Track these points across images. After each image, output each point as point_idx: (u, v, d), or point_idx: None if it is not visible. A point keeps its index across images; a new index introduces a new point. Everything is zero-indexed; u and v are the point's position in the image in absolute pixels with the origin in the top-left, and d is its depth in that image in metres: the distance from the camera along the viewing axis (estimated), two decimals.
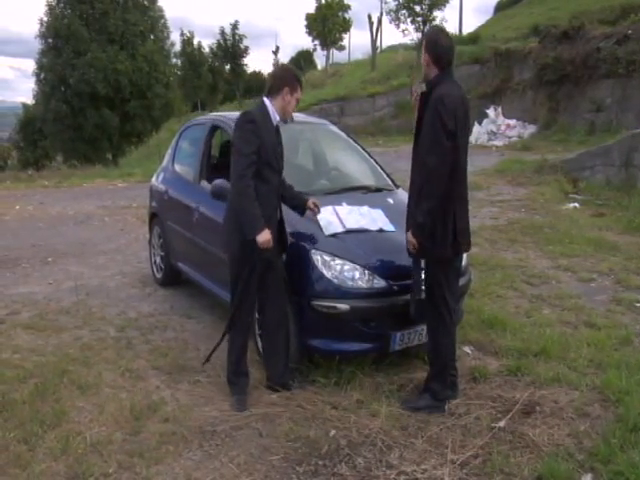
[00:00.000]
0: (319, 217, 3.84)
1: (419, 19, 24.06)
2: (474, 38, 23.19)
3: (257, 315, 3.81)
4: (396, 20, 24.50)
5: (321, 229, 3.80)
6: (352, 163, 5.02)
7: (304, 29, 34.11)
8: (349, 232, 3.80)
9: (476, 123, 16.99)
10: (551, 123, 16.40)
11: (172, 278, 5.64)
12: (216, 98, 38.12)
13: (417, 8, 23.88)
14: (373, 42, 26.79)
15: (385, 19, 26.59)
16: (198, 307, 5.14)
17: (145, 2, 30.34)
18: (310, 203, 3.77)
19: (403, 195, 4.40)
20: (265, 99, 3.48)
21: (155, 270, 5.89)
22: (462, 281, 3.79)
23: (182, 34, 36.63)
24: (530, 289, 5.44)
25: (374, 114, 21.66)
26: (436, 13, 24.25)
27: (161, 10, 31.38)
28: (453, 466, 2.87)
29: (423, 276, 3.46)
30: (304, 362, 3.79)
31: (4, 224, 8.81)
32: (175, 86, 32.86)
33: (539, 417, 3.28)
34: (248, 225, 3.28)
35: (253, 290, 3.45)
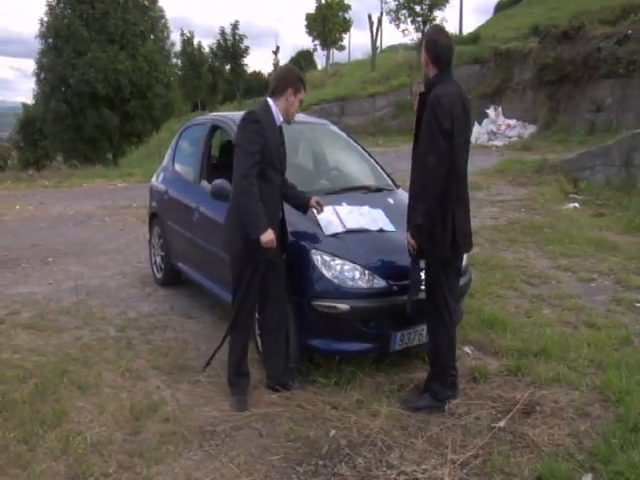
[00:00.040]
0: (319, 217, 3.85)
1: (419, 19, 24.07)
2: (474, 38, 23.19)
3: (257, 315, 3.81)
4: (396, 20, 24.54)
5: (321, 229, 3.80)
6: (352, 163, 5.02)
7: (304, 29, 34.18)
8: (349, 232, 3.80)
9: (476, 123, 16.98)
10: (551, 123, 16.41)
11: (172, 278, 5.65)
12: (216, 98, 38.14)
13: (417, 8, 23.90)
14: (373, 42, 26.80)
15: (385, 19, 26.64)
16: (198, 307, 5.14)
17: (145, 2, 30.29)
18: (313, 201, 3.77)
19: (403, 195, 4.40)
20: (269, 99, 3.49)
21: (155, 270, 5.90)
22: (462, 281, 3.79)
23: (182, 34, 36.69)
24: (530, 289, 5.44)
25: (374, 114, 21.66)
26: (436, 13, 24.32)
27: (161, 10, 31.35)
28: (453, 466, 2.87)
29: (423, 276, 3.47)
30: (304, 362, 3.79)
31: (4, 224, 8.82)
32: (175, 86, 32.83)
33: (539, 417, 3.28)
34: (252, 224, 3.28)
35: (255, 290, 3.45)
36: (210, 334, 4.54)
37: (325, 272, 3.59)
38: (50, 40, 28.72)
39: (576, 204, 9.03)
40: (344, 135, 5.26)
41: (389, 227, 3.90)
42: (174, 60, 33.96)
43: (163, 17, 31.29)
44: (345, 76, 27.68)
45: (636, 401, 3.28)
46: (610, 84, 14.91)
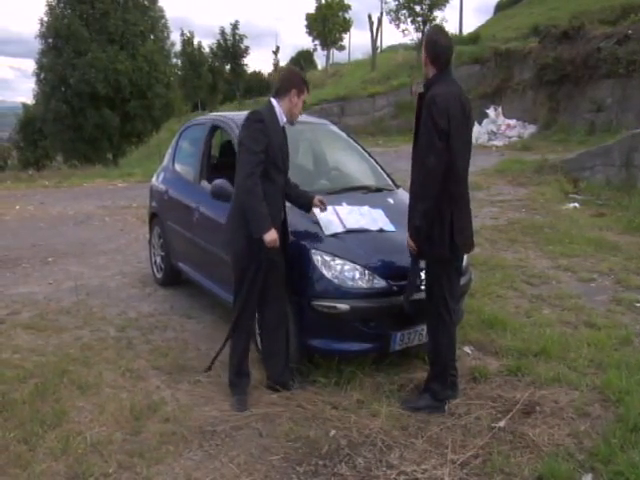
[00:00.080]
0: (319, 217, 3.85)
1: (419, 19, 24.07)
2: (474, 38, 23.18)
3: (256, 315, 3.80)
4: (396, 20, 24.53)
5: (321, 229, 3.80)
6: (352, 163, 5.02)
7: (304, 29, 34.18)
8: (349, 232, 3.80)
9: (476, 123, 16.97)
10: (551, 123, 16.40)
11: (172, 278, 5.65)
12: (216, 98, 38.14)
13: (417, 8, 23.89)
14: (373, 42, 26.79)
15: (385, 19, 26.63)
16: (198, 307, 5.14)
17: (145, 2, 30.29)
18: (316, 200, 3.78)
19: (403, 195, 4.41)
20: (272, 100, 3.50)
21: (155, 270, 5.90)
22: (462, 281, 3.79)
23: (182, 34, 36.68)
24: (530, 289, 5.44)
25: (374, 114, 21.65)
26: (436, 13, 24.31)
27: (161, 10, 31.35)
28: (453, 466, 2.87)
29: (423, 276, 3.48)
30: (304, 362, 3.79)
31: (4, 224, 8.82)
32: (175, 86, 32.83)
33: (539, 417, 3.28)
34: (255, 224, 3.28)
35: (257, 290, 3.45)
36: (210, 334, 4.55)
37: (325, 272, 3.59)
38: (50, 40, 28.72)
39: (576, 204, 9.03)
40: (344, 135, 5.26)
41: (389, 227, 3.90)
42: (174, 60, 33.99)
43: (163, 17, 31.31)
44: (345, 76, 27.68)
45: (636, 401, 3.28)
46: (610, 84, 14.90)
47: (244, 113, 4.70)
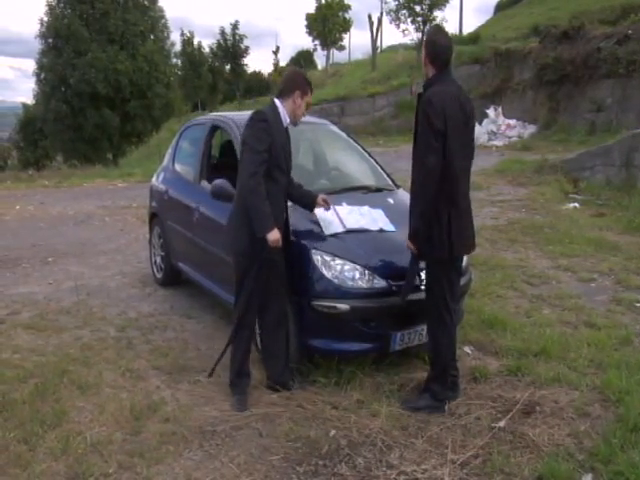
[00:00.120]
0: (319, 217, 3.85)
1: (419, 19, 24.07)
2: (474, 38, 23.18)
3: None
4: (396, 20, 24.53)
5: (321, 229, 3.80)
6: (352, 163, 5.02)
7: (304, 29, 34.18)
8: (349, 232, 3.80)
9: (476, 123, 16.99)
10: (551, 123, 16.40)
11: (172, 278, 5.65)
12: (216, 98, 38.15)
13: (417, 8, 23.90)
14: (373, 42, 26.78)
15: (385, 19, 26.64)
16: (198, 307, 5.14)
17: (145, 2, 30.30)
18: (320, 199, 3.78)
19: (403, 195, 4.41)
20: (276, 100, 3.51)
21: (155, 270, 5.90)
22: (462, 281, 3.79)
23: (182, 34, 36.69)
24: (530, 289, 5.44)
25: (374, 114, 21.66)
26: (436, 13, 24.32)
27: (161, 10, 31.37)
28: (453, 466, 2.87)
29: (423, 276, 3.48)
30: (304, 362, 3.79)
31: (4, 224, 8.82)
32: (175, 86, 32.84)
33: (539, 417, 3.28)
34: (258, 223, 3.29)
35: (259, 290, 3.45)
36: (210, 334, 4.55)
37: (325, 272, 3.59)
38: (50, 40, 28.73)
39: (576, 204, 9.03)
40: (344, 135, 5.26)
41: (389, 227, 3.90)
42: (174, 60, 34.02)
43: (163, 17, 31.33)
44: (345, 76, 27.68)
45: (636, 401, 3.28)
46: (610, 84, 14.90)
47: (244, 113, 4.71)
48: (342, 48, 37.32)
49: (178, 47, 34.55)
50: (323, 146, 5.06)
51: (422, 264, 3.44)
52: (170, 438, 3.09)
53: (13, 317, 4.89)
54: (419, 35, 23.95)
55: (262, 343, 3.77)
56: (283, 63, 46.85)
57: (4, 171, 28.39)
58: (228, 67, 36.49)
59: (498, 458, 2.89)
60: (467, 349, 4.15)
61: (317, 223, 3.83)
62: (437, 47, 3.24)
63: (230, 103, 35.89)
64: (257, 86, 42.72)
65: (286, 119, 3.50)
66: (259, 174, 3.29)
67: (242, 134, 3.48)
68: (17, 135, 40.70)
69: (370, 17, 26.83)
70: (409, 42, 25.64)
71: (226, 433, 3.16)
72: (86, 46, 27.67)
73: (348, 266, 3.62)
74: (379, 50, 29.64)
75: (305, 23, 34.26)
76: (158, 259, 5.83)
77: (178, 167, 5.64)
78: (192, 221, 4.89)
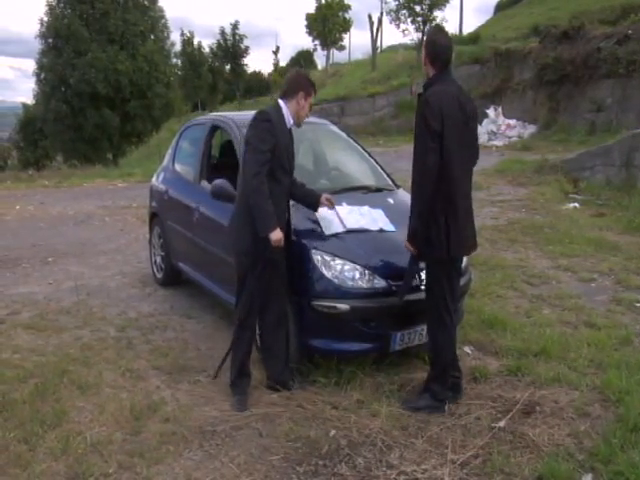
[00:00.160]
0: (319, 217, 3.85)
1: (419, 19, 24.08)
2: (474, 38, 23.19)
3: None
4: (396, 20, 24.55)
5: (321, 229, 3.80)
6: (352, 163, 5.02)
7: (304, 29, 34.22)
8: (349, 232, 3.80)
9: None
10: (551, 123, 16.40)
11: (172, 278, 5.64)
12: (216, 98, 38.18)
13: (417, 8, 23.91)
14: (373, 42, 26.79)
15: (385, 19, 26.64)
16: (198, 307, 5.14)
17: (145, 2, 30.28)
18: (323, 198, 3.79)
19: (403, 195, 4.41)
20: (280, 101, 3.51)
21: (155, 270, 5.90)
22: (462, 281, 3.79)
23: (182, 34, 36.71)
24: (530, 289, 5.44)
25: (374, 114, 21.66)
26: (436, 13, 24.33)
27: (161, 10, 31.34)
28: (453, 466, 2.87)
29: (423, 276, 3.48)
30: (304, 362, 3.79)
31: (4, 224, 8.82)
32: (175, 86, 32.84)
33: (539, 417, 3.28)
34: (262, 222, 3.29)
35: (260, 289, 3.45)
36: (210, 334, 4.55)
37: (325, 272, 3.59)
38: (50, 40, 28.72)
39: (576, 204, 9.03)
40: (344, 135, 5.26)
41: (389, 227, 3.90)
42: (174, 60, 34.01)
43: (163, 17, 31.31)
44: (345, 76, 27.68)
45: (636, 401, 3.28)
46: (610, 84, 14.90)
47: (244, 113, 4.71)
48: (342, 48, 37.37)
49: (178, 47, 34.61)
50: (323, 146, 5.06)
51: (422, 264, 3.44)
52: (170, 438, 3.09)
53: (13, 317, 4.89)
54: (419, 35, 23.96)
55: (262, 343, 3.77)
56: (283, 63, 46.91)
57: (4, 171, 28.39)
58: (228, 67, 36.53)
59: (498, 458, 2.89)
60: (467, 349, 4.15)
61: (317, 223, 3.83)
62: (437, 47, 3.24)
63: (230, 103, 35.92)
64: (257, 86, 42.75)
65: (290, 120, 3.51)
66: (262, 174, 3.29)
67: (246, 134, 3.48)
68: (17, 135, 40.70)
69: (370, 17, 26.84)
70: (409, 42, 25.67)
71: (226, 433, 3.16)
72: (86, 46, 27.66)
73: (348, 266, 3.62)
74: (379, 50, 29.65)
75: (305, 23, 34.32)
76: (158, 259, 5.83)
77: (178, 167, 5.64)
78: (192, 221, 4.89)
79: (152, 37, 30.37)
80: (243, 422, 3.26)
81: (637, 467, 2.72)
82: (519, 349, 4.07)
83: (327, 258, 3.63)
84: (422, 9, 23.88)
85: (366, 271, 3.61)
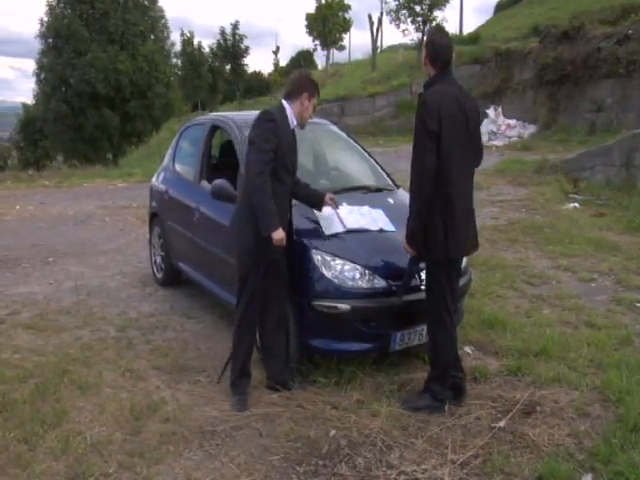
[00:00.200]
0: (319, 217, 3.85)
1: (419, 19, 24.09)
2: (474, 38, 23.19)
3: None
4: (396, 20, 24.56)
5: (322, 229, 3.80)
6: (352, 163, 5.02)
7: (304, 29, 34.22)
8: (350, 232, 3.80)
9: None
10: (551, 123, 16.40)
11: (172, 278, 5.64)
12: (216, 98, 38.18)
13: (417, 8, 23.91)
14: (373, 42, 26.79)
15: (385, 19, 26.65)
16: (198, 307, 5.14)
17: (145, 2, 30.29)
18: (327, 198, 3.81)
19: (403, 195, 4.41)
20: (284, 102, 3.52)
21: (155, 270, 5.90)
22: (462, 281, 3.79)
23: (182, 34, 36.70)
24: (530, 289, 5.44)
25: (374, 114, 21.66)
26: (436, 13, 24.34)
27: (161, 10, 31.37)
28: (453, 466, 2.87)
29: (423, 276, 3.48)
30: (304, 362, 3.79)
31: (5, 224, 8.82)
32: (175, 86, 32.85)
33: (539, 417, 3.28)
34: (264, 221, 3.29)
35: (262, 289, 3.45)
36: (210, 334, 4.55)
37: (325, 272, 3.59)
38: (50, 40, 28.74)
39: (576, 204, 9.03)
40: (344, 135, 5.26)
41: (389, 227, 3.90)
42: (174, 60, 34.03)
43: (163, 17, 31.34)
44: (345, 76, 27.69)
45: (636, 401, 3.28)
46: (610, 84, 14.90)
47: (244, 113, 4.70)
48: (342, 48, 37.36)
49: (178, 47, 34.62)
50: (323, 146, 5.06)
51: (422, 264, 3.44)
52: (170, 438, 3.09)
53: (13, 317, 4.89)
54: (419, 35, 23.97)
55: (262, 343, 3.77)
56: (283, 63, 46.93)
57: (4, 171, 28.40)
58: (228, 67, 36.52)
59: (498, 458, 2.89)
60: (467, 349, 4.15)
61: (317, 223, 3.83)
62: (437, 47, 3.24)
63: (230, 103, 35.91)
64: (257, 86, 42.74)
65: (293, 121, 3.51)
66: (265, 173, 3.29)
67: (249, 133, 3.48)
68: (17, 135, 40.72)
69: (370, 17, 26.85)
70: (409, 42, 25.69)
71: (226, 433, 3.16)
72: (86, 46, 27.67)
73: (348, 266, 3.62)
74: (379, 50, 29.65)
75: (305, 23, 34.31)
76: (158, 259, 5.83)
77: (178, 167, 5.64)
78: (192, 221, 4.89)
79: (152, 37, 30.39)
80: (243, 422, 3.26)
81: (637, 467, 2.72)
82: (519, 349, 4.07)
83: (327, 258, 3.63)
84: (422, 9, 23.88)
85: (366, 271, 3.61)
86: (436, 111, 3.09)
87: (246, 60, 36.15)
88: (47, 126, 30.58)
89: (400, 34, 25.34)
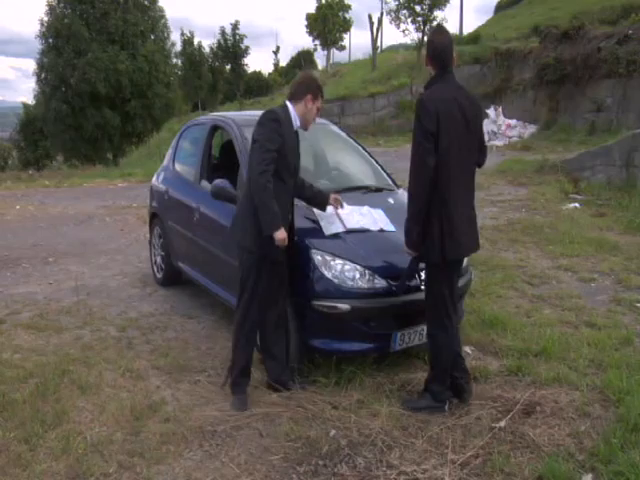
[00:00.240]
0: (320, 217, 3.85)
1: (419, 19, 24.11)
2: (474, 38, 23.21)
3: None
4: (396, 20, 24.59)
5: (322, 229, 3.80)
6: (353, 163, 5.01)
7: (304, 29, 34.27)
8: (350, 232, 3.80)
9: None
10: (551, 123, 16.42)
11: (172, 278, 5.65)
12: (216, 98, 38.20)
13: (417, 8, 23.93)
14: (373, 42, 26.81)
15: (385, 19, 26.71)
16: (199, 307, 5.15)
17: (145, 2, 30.30)
18: (332, 199, 3.82)
19: (403, 195, 4.39)
20: (288, 103, 3.51)
21: (155, 270, 5.90)
22: (462, 281, 3.79)
23: (182, 34, 36.73)
24: (531, 289, 5.44)
25: (374, 114, 21.68)
26: (436, 13, 24.36)
27: (162, 10, 31.35)
28: (453, 466, 2.86)
29: (423, 276, 3.48)
30: (304, 362, 3.79)
31: (5, 224, 8.82)
32: (176, 86, 32.86)
33: (540, 417, 3.28)
34: (267, 221, 3.29)
35: (264, 288, 3.45)
36: (211, 334, 4.55)
37: (325, 272, 3.59)
38: (50, 40, 28.74)
39: (577, 204, 9.03)
40: (344, 135, 5.26)
41: (389, 227, 3.90)
42: (174, 60, 34.01)
43: (163, 17, 31.32)
44: (345, 76, 27.68)
45: (636, 401, 3.27)
46: (610, 84, 14.91)
47: (244, 113, 4.69)
48: (342, 48, 37.39)
49: (178, 47, 34.62)
50: (323, 146, 5.06)
51: (422, 264, 3.43)
52: (170, 438, 3.09)
53: (13, 317, 4.89)
54: (419, 35, 23.99)
55: (262, 343, 3.77)
56: (283, 63, 46.93)
57: (4, 171, 28.48)
58: (228, 67, 36.54)
59: (498, 458, 2.89)
60: (467, 349, 4.15)
61: (317, 223, 3.83)
62: (437, 47, 3.23)
63: (230, 103, 35.93)
64: (257, 86, 42.75)
65: (297, 122, 3.51)
66: (269, 172, 3.29)
67: (253, 132, 3.47)
68: (18, 135, 40.74)
69: (370, 17, 26.89)
70: (409, 42, 25.72)
71: (226, 433, 3.16)
72: (86, 46, 27.67)
73: (348, 266, 3.62)
74: (379, 50, 29.68)
75: (305, 23, 34.36)
76: (158, 259, 5.83)
77: (178, 167, 5.64)
78: (192, 221, 4.89)
79: (152, 37, 30.39)
80: (243, 422, 3.26)
81: (637, 467, 2.71)
82: (519, 349, 4.07)
83: (327, 258, 3.63)
84: (422, 9, 23.90)
85: (366, 271, 3.61)
86: (434, 111, 3.08)
87: (246, 60, 36.28)
88: (47, 126, 30.59)
89: (400, 34, 25.41)
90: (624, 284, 5.53)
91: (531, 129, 16.88)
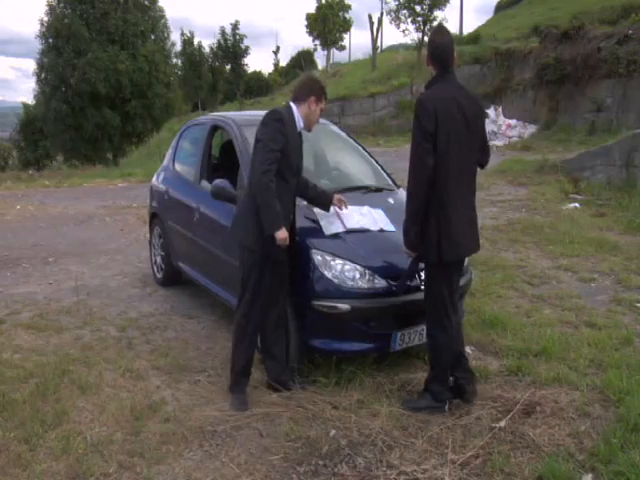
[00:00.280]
0: (320, 217, 3.85)
1: (419, 19, 24.10)
2: (475, 38, 23.21)
3: None
4: (396, 20, 24.57)
5: (322, 229, 3.80)
6: (353, 163, 5.01)
7: (304, 29, 34.27)
8: (350, 232, 3.80)
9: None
10: (551, 123, 16.42)
11: (173, 278, 5.65)
12: (216, 98, 38.21)
13: (417, 8, 23.92)
14: (373, 42, 26.80)
15: (385, 19, 26.70)
16: (199, 307, 5.15)
17: (145, 2, 30.30)
18: (335, 199, 3.83)
19: (403, 195, 4.39)
20: (292, 104, 3.52)
21: (156, 270, 5.90)
22: (462, 281, 3.79)
23: (182, 34, 36.73)
24: (531, 289, 5.44)
25: (374, 114, 21.68)
26: (436, 13, 24.33)
27: (162, 10, 31.36)
28: (453, 466, 2.86)
29: (423, 276, 3.48)
30: (304, 362, 3.79)
31: (5, 224, 8.82)
32: (176, 86, 32.87)
33: (540, 417, 3.28)
34: (269, 220, 3.30)
35: (265, 287, 3.45)
36: (211, 334, 4.55)
37: (325, 272, 3.59)
38: (51, 40, 28.74)
39: (577, 204, 9.03)
40: (344, 135, 5.26)
41: (389, 227, 3.90)
42: (174, 60, 34.01)
43: (163, 17, 31.33)
44: (345, 76, 27.67)
45: (636, 401, 3.27)
46: (610, 84, 14.91)
47: (244, 113, 4.69)
48: (342, 48, 37.37)
49: (178, 47, 34.62)
50: (323, 146, 5.06)
51: (422, 264, 3.43)
52: (170, 438, 3.09)
53: (13, 317, 4.89)
54: (419, 35, 23.98)
55: (263, 343, 3.76)
56: (283, 63, 46.94)
57: (5, 171, 28.48)
58: (228, 67, 36.55)
59: (498, 458, 2.89)
60: (467, 349, 4.14)
61: (317, 223, 3.83)
62: (437, 47, 3.22)
63: (230, 103, 35.93)
64: (257, 86, 42.76)
65: (300, 123, 3.52)
66: (271, 172, 3.30)
67: (257, 131, 3.48)
68: (18, 135, 40.75)
69: (370, 17, 26.88)
70: (409, 42, 25.71)
71: (226, 433, 3.16)
72: (86, 46, 27.68)
73: (348, 266, 3.62)
74: (379, 50, 29.67)
75: (305, 23, 34.36)
76: (158, 259, 5.83)
77: (178, 167, 5.64)
78: (192, 221, 4.89)
79: (152, 37, 30.39)
80: (243, 422, 3.26)
81: (637, 467, 2.71)
82: (519, 349, 4.07)
83: (327, 258, 3.63)
84: (422, 9, 23.89)
85: (366, 271, 3.61)
86: (432, 111, 3.08)
87: (246, 60, 36.27)
88: (47, 126, 30.60)
89: (400, 34, 25.39)
90: (624, 284, 5.53)
91: (531, 129, 16.89)
